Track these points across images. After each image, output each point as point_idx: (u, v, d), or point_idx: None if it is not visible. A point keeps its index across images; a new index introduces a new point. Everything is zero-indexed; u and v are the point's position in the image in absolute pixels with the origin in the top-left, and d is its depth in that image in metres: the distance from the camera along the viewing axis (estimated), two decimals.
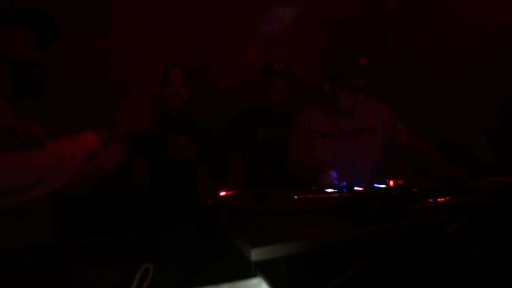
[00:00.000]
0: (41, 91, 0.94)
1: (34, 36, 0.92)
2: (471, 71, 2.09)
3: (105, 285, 0.47)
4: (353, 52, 1.47)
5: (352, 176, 0.99)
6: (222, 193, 0.92)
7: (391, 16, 2.55)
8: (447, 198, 0.77)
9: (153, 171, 1.58)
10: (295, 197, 0.81)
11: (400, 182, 0.90)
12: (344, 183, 0.91)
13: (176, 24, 2.12)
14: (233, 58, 2.24)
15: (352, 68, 1.39)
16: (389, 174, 0.94)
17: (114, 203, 1.63)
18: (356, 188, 0.88)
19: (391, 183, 0.89)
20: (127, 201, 1.57)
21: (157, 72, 1.72)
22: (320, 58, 2.06)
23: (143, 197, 1.55)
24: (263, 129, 1.77)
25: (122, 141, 1.09)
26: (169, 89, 1.63)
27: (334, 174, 1.15)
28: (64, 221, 1.16)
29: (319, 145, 1.51)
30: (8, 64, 0.89)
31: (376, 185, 0.93)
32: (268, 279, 0.33)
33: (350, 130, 1.52)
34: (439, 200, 0.76)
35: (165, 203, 1.57)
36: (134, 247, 0.71)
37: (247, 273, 0.48)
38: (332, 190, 0.91)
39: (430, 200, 0.76)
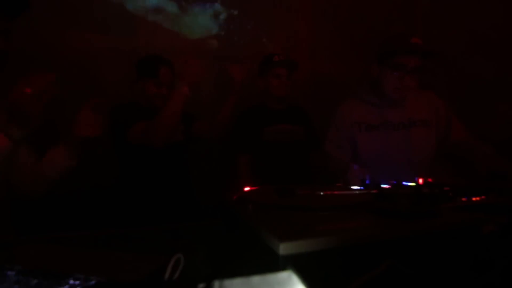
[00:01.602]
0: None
1: None
2: (505, 63, 1.97)
3: (140, 272, 0.49)
4: (404, 33, 1.39)
5: (402, 173, 0.92)
6: (247, 188, 0.93)
7: (421, 7, 2.45)
8: (483, 197, 0.74)
9: (134, 166, 1.51)
10: (321, 193, 0.81)
11: (430, 180, 0.87)
12: (367, 180, 0.89)
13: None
14: (255, 53, 2.24)
15: (402, 45, 1.30)
16: (432, 173, 0.89)
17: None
18: (383, 186, 0.86)
19: (420, 181, 0.86)
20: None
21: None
22: (346, 54, 2.01)
23: None
24: (267, 127, 1.68)
25: (71, 146, 1.07)
26: (158, 92, 1.50)
27: (355, 167, 1.09)
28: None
29: (362, 138, 1.39)
30: None
31: (404, 182, 0.91)
32: (299, 273, 0.34)
33: (398, 122, 1.39)
34: (473, 199, 0.73)
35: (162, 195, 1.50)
36: (164, 238, 0.74)
37: (274, 267, 0.49)
38: (358, 188, 0.89)
39: (464, 199, 0.73)
